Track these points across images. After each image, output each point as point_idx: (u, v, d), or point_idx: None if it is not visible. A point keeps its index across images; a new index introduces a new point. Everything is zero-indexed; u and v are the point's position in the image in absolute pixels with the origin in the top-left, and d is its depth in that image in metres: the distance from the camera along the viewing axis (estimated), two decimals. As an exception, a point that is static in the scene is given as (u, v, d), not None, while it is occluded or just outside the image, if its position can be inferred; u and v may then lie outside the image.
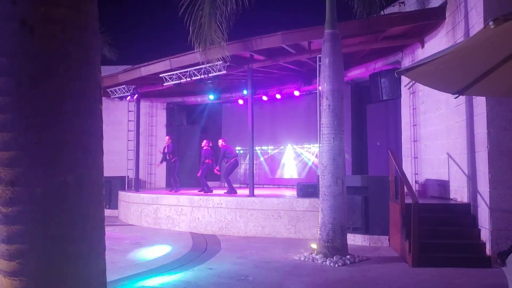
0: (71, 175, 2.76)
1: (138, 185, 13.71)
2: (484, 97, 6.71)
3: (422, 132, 10.07)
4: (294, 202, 9.42)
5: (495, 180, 6.72)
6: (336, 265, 6.64)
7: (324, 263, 6.80)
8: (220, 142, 11.97)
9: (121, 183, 14.46)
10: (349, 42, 9.70)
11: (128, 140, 15.05)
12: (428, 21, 9.07)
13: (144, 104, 15.61)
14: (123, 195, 13.04)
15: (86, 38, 2.89)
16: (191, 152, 15.89)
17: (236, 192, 11.15)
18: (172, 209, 10.81)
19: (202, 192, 11.62)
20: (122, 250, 7.99)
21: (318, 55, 8.78)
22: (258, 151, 14.89)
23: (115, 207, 13.62)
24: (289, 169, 14.20)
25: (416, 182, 10.21)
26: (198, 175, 12.21)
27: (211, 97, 14.59)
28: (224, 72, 10.81)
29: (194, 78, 11.34)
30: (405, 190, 7.29)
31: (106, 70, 13.59)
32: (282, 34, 9.54)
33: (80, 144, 2.82)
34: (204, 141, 12.52)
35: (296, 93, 13.32)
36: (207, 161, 12.16)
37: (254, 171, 11.30)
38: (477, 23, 7.11)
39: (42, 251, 2.67)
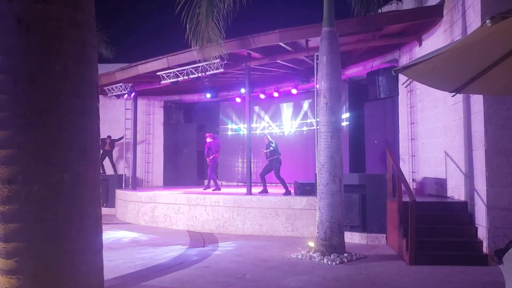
0: (68, 173, 2.75)
1: (135, 184, 13.69)
2: (482, 95, 6.72)
3: (419, 130, 10.08)
4: (291, 200, 9.42)
5: (492, 178, 6.73)
6: (333, 263, 6.65)
7: (321, 261, 6.80)
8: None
9: (118, 181, 14.44)
10: (346, 40, 9.69)
11: (125, 138, 15.03)
12: (425, 19, 9.07)
13: (141, 102, 15.58)
14: (120, 194, 13.02)
15: (82, 36, 2.88)
16: (188, 150, 15.90)
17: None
18: (169, 207, 10.80)
19: (211, 190, 11.97)
20: (119, 249, 7.98)
21: (316, 53, 8.78)
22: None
23: (112, 205, 13.59)
24: (287, 167, 14.19)
25: (413, 180, 10.23)
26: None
27: (209, 95, 14.59)
28: (222, 70, 10.80)
29: (191, 76, 11.32)
30: (403, 188, 7.30)
31: (103, 68, 13.56)
32: (280, 32, 9.53)
33: (77, 142, 2.82)
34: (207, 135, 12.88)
35: (294, 91, 13.32)
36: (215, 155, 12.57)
37: (252, 169, 11.30)
38: (474, 21, 7.12)
39: (39, 249, 2.66)
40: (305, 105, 14.05)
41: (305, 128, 14.11)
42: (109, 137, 14.82)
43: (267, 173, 11.10)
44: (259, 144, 13.69)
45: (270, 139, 11.38)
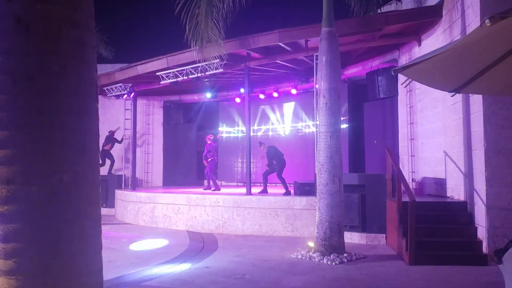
0: (67, 173, 2.75)
1: (134, 184, 13.68)
2: (481, 95, 6.72)
3: (419, 130, 10.09)
4: (291, 201, 9.42)
5: (491, 178, 6.73)
6: (333, 263, 6.65)
7: (321, 261, 6.80)
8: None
9: (118, 181, 14.43)
10: (346, 40, 9.69)
11: (125, 139, 15.01)
12: (425, 19, 9.07)
13: (140, 103, 15.58)
14: (119, 194, 13.01)
15: (81, 36, 2.88)
16: (187, 151, 15.90)
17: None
18: (169, 207, 10.80)
19: (210, 190, 12.01)
20: (118, 249, 7.98)
21: (315, 53, 8.78)
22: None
23: (112, 205, 13.58)
24: (287, 167, 14.20)
25: (413, 180, 10.23)
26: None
27: (208, 95, 14.60)
28: (221, 70, 10.79)
29: (191, 76, 11.32)
30: (402, 188, 7.31)
31: (102, 69, 13.56)
32: (279, 32, 9.53)
33: (76, 142, 2.82)
34: (207, 137, 12.88)
35: (293, 91, 13.32)
36: (214, 157, 12.60)
37: (251, 170, 11.31)
38: (473, 21, 7.12)
39: (38, 249, 2.66)
40: (305, 105, 14.04)
41: (304, 129, 14.11)
42: (111, 132, 14.69)
43: (270, 173, 11.10)
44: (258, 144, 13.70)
45: (266, 146, 11.38)
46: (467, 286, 5.52)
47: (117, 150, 15.34)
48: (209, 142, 12.64)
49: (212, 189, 12.22)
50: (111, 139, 14.65)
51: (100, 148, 13.74)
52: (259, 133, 15.03)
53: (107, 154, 14.66)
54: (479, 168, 6.99)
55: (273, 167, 11.00)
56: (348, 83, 13.01)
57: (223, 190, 12.23)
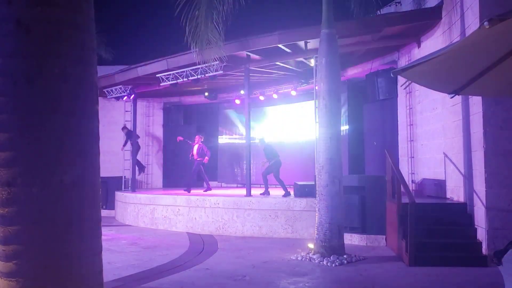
0: (67, 175, 2.75)
1: (134, 186, 13.67)
2: (480, 97, 6.73)
3: (418, 131, 10.09)
4: (291, 202, 9.42)
5: (491, 179, 6.73)
6: (333, 265, 6.65)
7: (321, 262, 6.80)
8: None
9: (118, 183, 14.41)
10: (345, 42, 9.69)
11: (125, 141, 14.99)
12: (424, 21, 9.09)
13: (140, 104, 15.58)
14: (119, 196, 13.01)
15: (82, 38, 2.89)
16: (187, 152, 15.86)
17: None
18: (169, 209, 10.80)
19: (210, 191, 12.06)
20: (118, 251, 7.98)
21: (315, 55, 8.78)
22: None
23: (112, 207, 13.58)
24: (287, 169, 14.19)
25: (412, 181, 10.23)
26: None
27: (208, 96, 14.57)
28: (221, 72, 10.80)
29: (191, 78, 11.33)
30: (402, 189, 7.31)
31: (102, 70, 13.52)
32: (279, 34, 9.54)
33: (76, 144, 2.82)
34: (197, 137, 12.84)
35: (293, 93, 13.32)
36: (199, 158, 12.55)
37: (251, 171, 11.30)
38: (473, 23, 7.13)
39: (39, 251, 2.66)
40: (304, 106, 14.04)
41: (304, 130, 14.10)
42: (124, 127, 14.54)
43: (269, 173, 11.08)
44: (258, 146, 13.69)
45: (263, 143, 11.30)
46: (466, 287, 5.52)
47: (118, 151, 15.31)
48: (199, 143, 12.59)
49: (204, 189, 12.23)
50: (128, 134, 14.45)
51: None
52: (258, 138, 14.98)
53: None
54: (478, 170, 6.99)
55: (271, 167, 10.98)
56: (348, 84, 13.01)
57: (223, 191, 12.22)
